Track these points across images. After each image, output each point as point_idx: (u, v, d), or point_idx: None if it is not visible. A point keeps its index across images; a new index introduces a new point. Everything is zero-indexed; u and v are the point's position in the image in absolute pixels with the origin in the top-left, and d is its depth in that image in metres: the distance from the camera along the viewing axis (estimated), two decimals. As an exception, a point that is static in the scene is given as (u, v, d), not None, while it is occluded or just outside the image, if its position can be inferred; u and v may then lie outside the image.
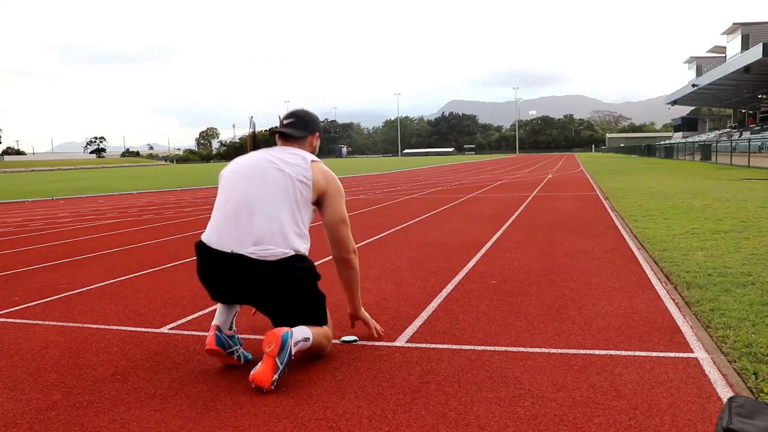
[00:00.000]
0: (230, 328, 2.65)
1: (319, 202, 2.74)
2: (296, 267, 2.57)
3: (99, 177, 36.71)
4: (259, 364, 2.36)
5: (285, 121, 2.87)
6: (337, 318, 3.26)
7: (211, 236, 2.60)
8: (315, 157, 2.79)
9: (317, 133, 2.90)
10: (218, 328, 2.60)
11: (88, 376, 2.56)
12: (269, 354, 2.34)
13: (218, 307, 2.70)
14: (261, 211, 2.55)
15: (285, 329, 2.41)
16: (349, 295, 2.88)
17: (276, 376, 2.33)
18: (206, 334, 2.84)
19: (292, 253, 2.56)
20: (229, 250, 2.51)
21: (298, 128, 2.82)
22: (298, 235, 2.61)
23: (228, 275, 2.55)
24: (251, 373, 2.34)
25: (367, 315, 2.95)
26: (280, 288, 2.55)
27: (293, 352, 2.42)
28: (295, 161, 2.67)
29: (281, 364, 2.35)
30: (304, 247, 2.64)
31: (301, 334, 2.48)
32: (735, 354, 2.53)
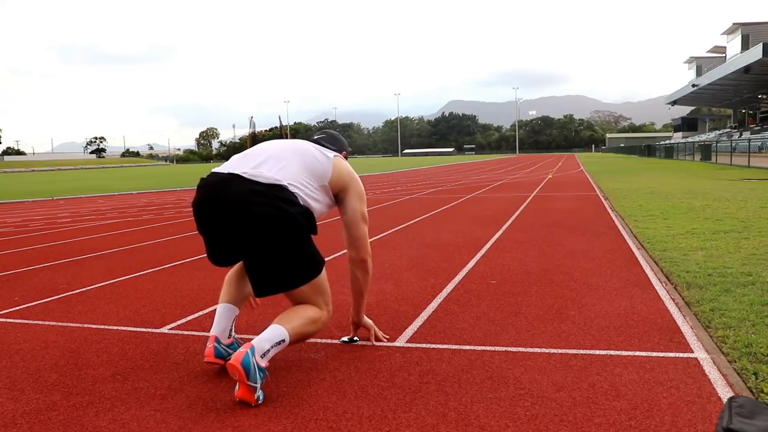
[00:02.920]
0: (229, 336, 2.62)
1: (339, 198, 2.70)
2: (284, 198, 2.41)
3: (99, 177, 36.72)
4: (238, 384, 2.22)
5: (315, 136, 2.93)
6: (338, 319, 3.27)
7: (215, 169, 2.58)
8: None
9: (344, 153, 2.91)
10: (217, 339, 2.56)
11: (88, 376, 2.56)
12: (239, 381, 2.20)
13: (216, 313, 2.65)
14: (272, 154, 2.56)
15: (244, 351, 2.20)
16: (358, 300, 2.81)
17: (258, 393, 2.20)
18: (206, 334, 2.84)
19: (288, 187, 2.44)
20: (227, 172, 2.48)
21: (328, 143, 2.85)
22: (302, 185, 2.50)
23: (218, 195, 2.43)
24: (235, 392, 2.23)
25: (370, 322, 2.91)
26: (262, 216, 2.36)
27: (267, 363, 2.27)
28: (320, 148, 2.72)
29: (255, 382, 2.19)
30: (303, 198, 2.48)
31: (269, 341, 2.29)
32: (735, 354, 2.53)
